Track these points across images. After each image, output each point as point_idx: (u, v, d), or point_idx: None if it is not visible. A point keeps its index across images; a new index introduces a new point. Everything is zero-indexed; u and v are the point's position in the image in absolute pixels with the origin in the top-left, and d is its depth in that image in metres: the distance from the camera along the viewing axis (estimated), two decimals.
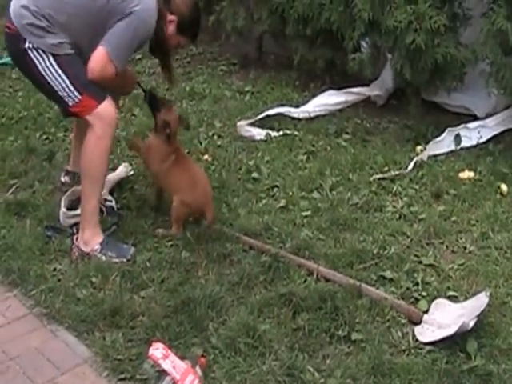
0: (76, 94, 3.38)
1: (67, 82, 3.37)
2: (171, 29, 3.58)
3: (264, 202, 4.03)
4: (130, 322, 3.03)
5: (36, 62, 3.35)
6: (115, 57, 3.36)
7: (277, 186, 4.21)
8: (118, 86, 3.58)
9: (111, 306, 3.11)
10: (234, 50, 6.60)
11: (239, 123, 4.96)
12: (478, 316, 2.88)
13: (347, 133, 4.95)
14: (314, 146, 4.75)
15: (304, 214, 3.89)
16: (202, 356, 2.78)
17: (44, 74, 3.37)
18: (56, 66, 3.36)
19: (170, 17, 3.55)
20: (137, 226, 3.77)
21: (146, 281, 3.31)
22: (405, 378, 2.68)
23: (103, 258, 3.45)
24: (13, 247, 3.53)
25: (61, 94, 3.39)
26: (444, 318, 2.97)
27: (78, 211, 3.68)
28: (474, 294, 3.10)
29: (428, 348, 2.85)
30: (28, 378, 2.78)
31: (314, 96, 5.39)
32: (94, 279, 3.29)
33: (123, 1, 3.34)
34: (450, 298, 3.15)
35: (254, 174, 4.33)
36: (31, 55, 3.35)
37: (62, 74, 3.36)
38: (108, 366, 2.81)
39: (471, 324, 2.84)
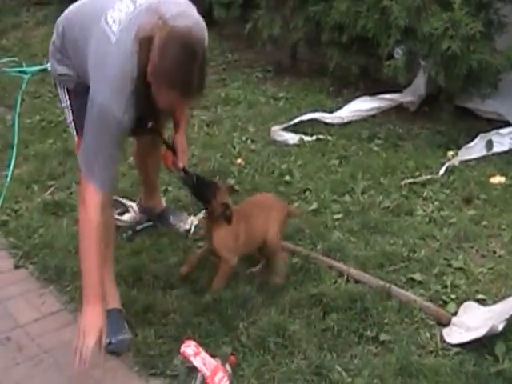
0: (74, 133, 3.05)
1: (71, 118, 3.05)
2: (152, 80, 2.63)
3: (296, 204, 4.02)
4: (161, 320, 3.05)
5: (58, 88, 3.10)
6: (93, 177, 2.72)
7: (309, 190, 4.20)
8: None
9: (144, 303, 3.14)
10: (269, 57, 6.61)
11: (273, 128, 4.96)
12: (508, 319, 2.84)
13: (379, 138, 4.92)
14: (346, 150, 4.73)
15: (335, 216, 3.89)
16: (232, 354, 2.78)
17: (61, 101, 3.10)
18: (67, 99, 3.05)
19: (150, 67, 2.59)
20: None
21: (178, 280, 3.33)
22: (432, 380, 2.66)
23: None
24: (50, 245, 3.58)
25: (70, 128, 3.10)
26: (472, 321, 2.94)
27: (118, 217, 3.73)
28: (503, 298, 3.07)
29: (456, 350, 2.82)
30: (60, 370, 2.82)
31: (347, 102, 5.37)
32: (127, 278, 3.31)
33: (92, 67, 2.72)
34: (478, 301, 3.11)
35: (287, 178, 4.33)
36: (55, 80, 3.13)
37: (70, 109, 3.05)
38: (139, 361, 2.84)
39: (501, 327, 2.80)
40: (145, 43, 2.56)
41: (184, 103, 2.85)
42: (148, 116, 2.92)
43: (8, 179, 4.21)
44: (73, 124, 3.03)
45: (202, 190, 3.15)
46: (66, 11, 3.01)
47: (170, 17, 2.62)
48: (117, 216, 3.74)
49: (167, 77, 2.55)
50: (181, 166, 3.14)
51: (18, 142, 4.65)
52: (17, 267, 3.48)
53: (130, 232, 3.72)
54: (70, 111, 3.04)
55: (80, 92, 2.85)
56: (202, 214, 3.71)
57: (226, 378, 2.61)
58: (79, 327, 2.64)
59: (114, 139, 2.70)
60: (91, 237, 2.70)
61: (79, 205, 2.80)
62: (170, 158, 3.18)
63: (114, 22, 2.67)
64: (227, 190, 3.31)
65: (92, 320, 2.64)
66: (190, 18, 2.77)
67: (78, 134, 2.97)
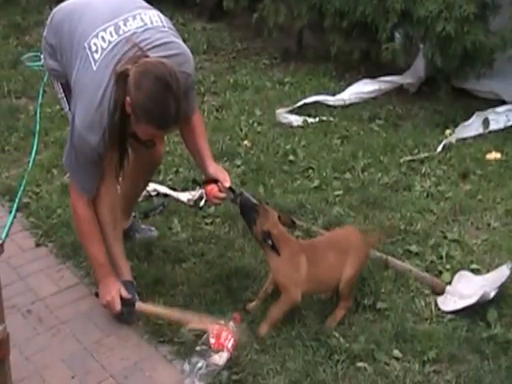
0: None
1: (67, 108, 2.93)
2: (130, 112, 2.55)
3: (299, 182, 4.00)
4: (170, 291, 3.04)
5: (52, 79, 3.03)
6: (76, 182, 2.80)
7: (311, 168, 4.17)
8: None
9: (154, 276, 3.13)
10: (276, 44, 6.55)
11: (278, 111, 4.91)
12: (499, 287, 2.81)
13: (380, 118, 4.87)
14: (347, 130, 4.69)
15: (336, 193, 3.85)
16: (236, 314, 2.76)
17: (57, 93, 3.00)
18: (61, 91, 2.95)
19: (127, 100, 2.51)
20: (180, 206, 3.78)
21: (187, 254, 3.32)
22: (426, 344, 2.64)
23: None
24: (67, 224, 3.56)
25: (67, 115, 2.95)
26: (466, 289, 2.91)
27: None
28: (496, 267, 3.03)
29: (449, 317, 2.80)
30: (77, 339, 2.83)
31: (349, 85, 5.32)
32: (139, 253, 3.30)
33: (73, 87, 2.68)
34: (473, 270, 3.08)
35: (291, 157, 4.29)
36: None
37: (65, 99, 2.95)
38: (149, 330, 2.84)
39: (492, 294, 2.78)
40: (121, 78, 2.51)
41: (162, 134, 2.77)
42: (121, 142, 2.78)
43: (30, 165, 4.21)
44: (69, 113, 2.85)
45: (244, 212, 2.82)
46: (57, 10, 2.92)
47: (150, 48, 2.58)
48: None
49: (143, 111, 2.49)
50: (227, 185, 2.86)
51: (40, 130, 4.67)
52: (37, 245, 3.47)
53: (142, 215, 3.69)
54: (66, 101, 2.94)
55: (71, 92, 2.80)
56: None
57: (230, 335, 2.62)
58: (101, 300, 2.87)
59: (91, 159, 2.69)
60: (87, 230, 2.84)
61: (69, 199, 2.90)
62: (214, 188, 2.87)
63: (96, 50, 2.60)
64: (280, 217, 2.79)
65: (109, 287, 2.84)
66: (171, 48, 2.66)
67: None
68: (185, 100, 2.70)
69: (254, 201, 2.82)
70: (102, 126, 2.59)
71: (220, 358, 2.58)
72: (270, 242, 2.70)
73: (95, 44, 2.61)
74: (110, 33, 2.63)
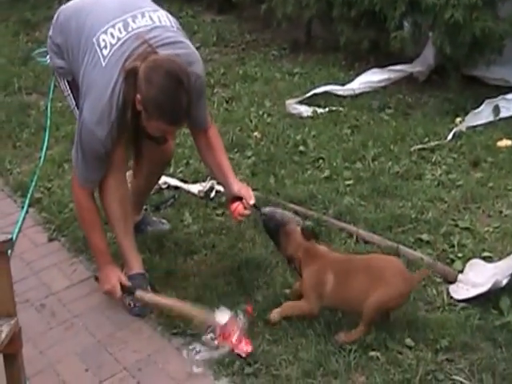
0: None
1: (74, 105, 2.94)
2: (141, 109, 2.56)
3: (309, 172, 3.97)
4: (182, 283, 3.04)
5: (57, 78, 3.02)
6: (79, 174, 2.80)
7: (322, 158, 4.14)
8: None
9: (166, 268, 3.13)
10: (285, 35, 6.50)
11: (288, 101, 4.88)
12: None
13: (390, 107, 4.82)
14: (357, 120, 4.64)
15: (347, 182, 3.82)
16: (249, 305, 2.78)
17: (63, 91, 3.00)
18: (68, 88, 2.94)
19: (138, 97, 2.52)
20: (191, 198, 3.77)
21: (199, 246, 3.31)
22: (438, 333, 2.61)
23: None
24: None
25: (74, 113, 2.98)
26: (478, 278, 2.87)
27: None
28: (508, 255, 2.99)
29: (462, 305, 2.77)
30: (90, 333, 2.83)
31: (358, 75, 5.27)
32: (151, 246, 3.29)
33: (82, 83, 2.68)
34: (484, 258, 3.05)
35: (301, 148, 4.26)
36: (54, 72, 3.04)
37: (71, 96, 2.94)
38: (162, 322, 2.83)
39: (504, 282, 2.75)
40: (130, 74, 2.50)
41: (173, 130, 2.74)
42: (135, 140, 2.80)
43: (41, 160, 4.21)
44: (76, 109, 2.90)
45: (268, 233, 2.82)
46: (63, 9, 2.92)
47: (159, 45, 2.57)
48: None
49: (154, 106, 2.49)
50: (252, 202, 2.83)
51: (51, 125, 4.67)
52: (50, 240, 3.48)
53: (153, 208, 3.68)
54: (73, 98, 2.92)
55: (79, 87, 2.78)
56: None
57: (236, 329, 2.64)
58: (101, 287, 2.91)
59: (97, 154, 2.69)
60: (89, 219, 2.87)
61: (71, 189, 2.96)
62: (239, 205, 2.84)
63: (105, 46, 2.59)
64: (304, 233, 2.71)
65: (109, 275, 2.87)
66: (180, 48, 2.65)
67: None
68: (197, 107, 2.72)
69: (279, 216, 2.76)
70: (110, 121, 2.58)
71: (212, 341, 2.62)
72: (293, 266, 2.75)
73: (104, 40, 2.60)
74: (119, 29, 2.62)
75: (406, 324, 2.67)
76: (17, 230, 3.48)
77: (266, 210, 2.83)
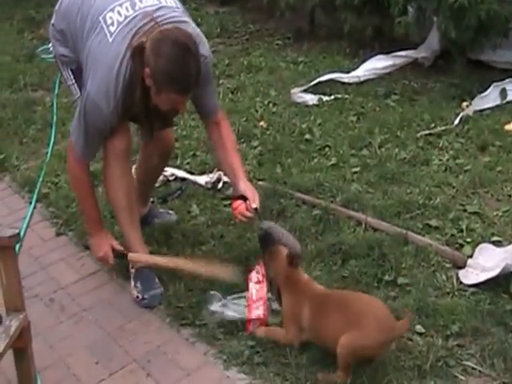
0: None
1: (78, 93, 2.87)
2: (152, 85, 2.55)
3: (316, 160, 3.93)
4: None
5: (60, 67, 3.01)
6: (78, 147, 2.76)
7: (328, 146, 4.10)
8: None
9: None
10: (289, 25, 6.45)
11: (293, 90, 4.84)
12: None
13: (395, 94, 4.77)
14: (363, 107, 4.60)
15: (354, 170, 3.79)
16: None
17: (66, 80, 2.99)
18: (72, 77, 2.93)
19: (146, 71, 2.51)
20: (198, 189, 3.75)
21: (206, 237, 3.29)
22: (448, 318, 2.59)
23: (131, 284, 2.97)
24: None
25: (77, 102, 2.88)
26: (488, 262, 2.84)
27: None
28: None
29: (471, 290, 2.74)
30: (99, 326, 2.82)
31: (363, 62, 5.21)
32: (158, 237, 3.28)
33: (88, 61, 2.66)
34: (494, 242, 3.01)
35: (307, 136, 4.23)
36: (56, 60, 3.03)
37: (76, 86, 2.91)
38: (170, 314, 2.82)
39: None
40: (137, 51, 2.51)
41: (184, 100, 2.68)
42: (147, 118, 2.79)
43: (48, 156, 4.20)
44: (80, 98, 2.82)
45: (261, 246, 2.70)
46: None
47: (165, 23, 2.58)
48: None
49: (165, 76, 2.48)
50: (254, 206, 2.76)
51: (57, 120, 4.66)
52: (58, 234, 3.47)
53: (160, 200, 3.67)
54: (77, 88, 2.89)
55: (83, 71, 2.78)
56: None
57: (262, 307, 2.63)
58: (94, 254, 2.99)
59: (99, 131, 2.69)
60: (83, 189, 2.89)
61: (66, 161, 2.96)
62: (242, 205, 2.80)
63: (112, 23, 2.60)
64: (289, 256, 2.53)
65: (101, 243, 2.94)
66: (186, 28, 2.63)
67: None
68: (205, 93, 2.77)
69: (275, 235, 2.58)
70: (117, 97, 2.58)
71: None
72: (274, 290, 2.62)
73: (111, 18, 2.63)
74: (126, 8, 2.64)
75: (415, 310, 2.64)
76: (25, 226, 3.47)
77: (266, 224, 2.67)
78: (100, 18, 2.63)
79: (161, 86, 2.52)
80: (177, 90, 2.53)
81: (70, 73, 2.93)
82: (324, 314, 2.42)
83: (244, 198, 2.80)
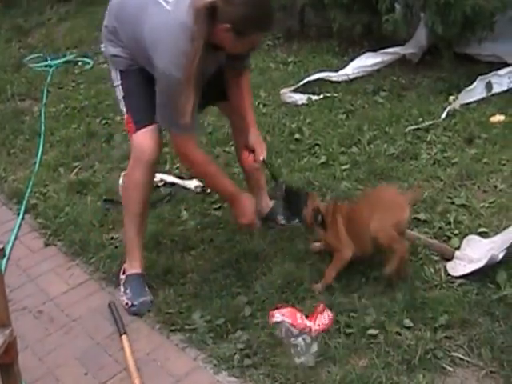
0: (124, 110, 2.92)
1: (122, 95, 2.92)
2: (229, 38, 2.59)
3: (305, 160, 3.95)
4: (180, 280, 3.04)
5: (110, 67, 3.00)
6: (176, 128, 2.76)
7: (318, 145, 4.12)
8: None
9: (163, 266, 3.13)
10: (279, 25, 6.42)
11: (282, 91, 4.86)
12: (508, 248, 2.75)
13: (384, 90, 4.77)
14: (352, 105, 4.61)
15: (343, 167, 3.80)
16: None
17: (113, 80, 2.97)
18: (119, 78, 2.92)
19: (222, 27, 2.55)
20: (188, 194, 3.76)
21: (196, 241, 3.31)
22: (436, 311, 2.61)
23: (121, 290, 3.01)
24: (75, 221, 3.58)
25: (120, 105, 2.96)
26: (475, 253, 2.86)
27: None
28: (504, 229, 2.97)
29: (459, 282, 2.76)
30: (89, 336, 2.83)
31: (352, 60, 5.23)
32: (148, 243, 3.28)
33: (152, 39, 2.66)
34: (481, 234, 3.03)
35: (297, 136, 4.24)
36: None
37: (120, 87, 2.92)
38: (160, 320, 2.83)
39: (500, 256, 2.74)
40: (209, 11, 2.51)
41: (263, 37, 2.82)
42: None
43: (36, 166, 4.22)
44: (123, 101, 2.91)
45: (291, 200, 3.00)
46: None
47: None
48: None
49: (249, 21, 2.55)
50: (261, 158, 2.96)
51: (45, 130, 4.68)
52: (46, 245, 3.48)
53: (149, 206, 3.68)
54: (121, 89, 2.91)
55: (131, 73, 2.87)
56: None
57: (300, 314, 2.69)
58: (240, 222, 3.00)
59: (183, 92, 2.61)
60: (208, 170, 2.91)
61: (180, 156, 3.00)
62: (250, 157, 2.99)
63: None
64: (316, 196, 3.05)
65: (244, 208, 2.95)
66: None
67: (127, 111, 2.90)
68: None
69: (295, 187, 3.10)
70: (189, 63, 2.56)
71: None
72: (320, 218, 2.90)
73: None
74: None
75: (404, 305, 2.66)
76: (13, 238, 3.49)
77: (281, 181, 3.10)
78: None
79: (244, 32, 2.58)
80: (262, 30, 2.68)
81: (118, 74, 2.92)
82: (351, 217, 2.87)
83: (252, 151, 2.97)
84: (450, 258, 2.90)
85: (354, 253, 2.85)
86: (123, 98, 2.91)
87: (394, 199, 2.85)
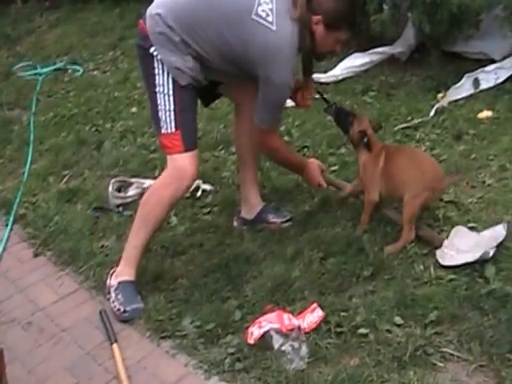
0: (172, 124, 2.84)
1: (172, 107, 2.84)
2: (320, 30, 2.82)
3: None
4: (170, 285, 3.04)
5: (156, 70, 2.84)
6: (266, 124, 3.03)
7: (307, 147, 4.13)
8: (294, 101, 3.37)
9: (153, 272, 3.13)
10: None
11: None
12: (497, 246, 2.78)
13: (373, 90, 4.80)
14: (341, 105, 4.61)
15: (332, 168, 3.80)
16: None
17: (157, 85, 2.85)
18: (171, 87, 2.84)
19: (314, 18, 2.79)
20: None
21: (186, 246, 3.32)
22: (426, 307, 2.61)
23: (111, 296, 2.98)
24: (65, 230, 3.58)
25: (160, 114, 2.86)
26: (462, 244, 2.88)
27: (123, 194, 3.76)
28: (492, 224, 2.98)
29: (449, 277, 2.75)
30: (79, 345, 2.81)
31: (340, 61, 5.24)
32: None
33: (262, 58, 2.78)
34: (470, 229, 3.02)
35: (285, 138, 4.24)
36: (155, 63, 2.84)
37: (172, 98, 2.83)
38: (150, 327, 2.82)
39: (491, 253, 2.75)
40: (304, 16, 2.78)
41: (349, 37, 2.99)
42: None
43: (25, 176, 4.22)
44: (173, 115, 2.84)
45: (340, 118, 3.28)
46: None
47: None
48: (119, 194, 3.80)
49: (340, 16, 2.82)
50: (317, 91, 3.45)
51: (34, 139, 4.68)
52: (36, 255, 3.47)
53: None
54: (173, 101, 2.84)
55: (189, 91, 2.87)
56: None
57: (290, 315, 2.66)
58: (309, 184, 3.40)
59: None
60: (282, 157, 3.27)
61: (260, 147, 3.23)
62: (302, 96, 3.37)
63: (267, 14, 2.75)
64: (371, 121, 3.25)
65: (312, 173, 3.31)
66: None
67: (177, 127, 2.85)
68: None
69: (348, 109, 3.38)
70: (294, 67, 2.88)
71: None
72: (365, 139, 3.12)
73: (263, 10, 2.77)
74: None
75: (394, 303, 2.66)
76: (1, 249, 3.48)
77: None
78: (253, 16, 2.75)
79: (334, 27, 2.83)
80: (350, 27, 2.90)
81: (171, 81, 2.84)
82: (394, 162, 3.07)
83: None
84: (439, 246, 2.92)
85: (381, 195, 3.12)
86: (174, 110, 2.84)
87: (436, 169, 3.06)
